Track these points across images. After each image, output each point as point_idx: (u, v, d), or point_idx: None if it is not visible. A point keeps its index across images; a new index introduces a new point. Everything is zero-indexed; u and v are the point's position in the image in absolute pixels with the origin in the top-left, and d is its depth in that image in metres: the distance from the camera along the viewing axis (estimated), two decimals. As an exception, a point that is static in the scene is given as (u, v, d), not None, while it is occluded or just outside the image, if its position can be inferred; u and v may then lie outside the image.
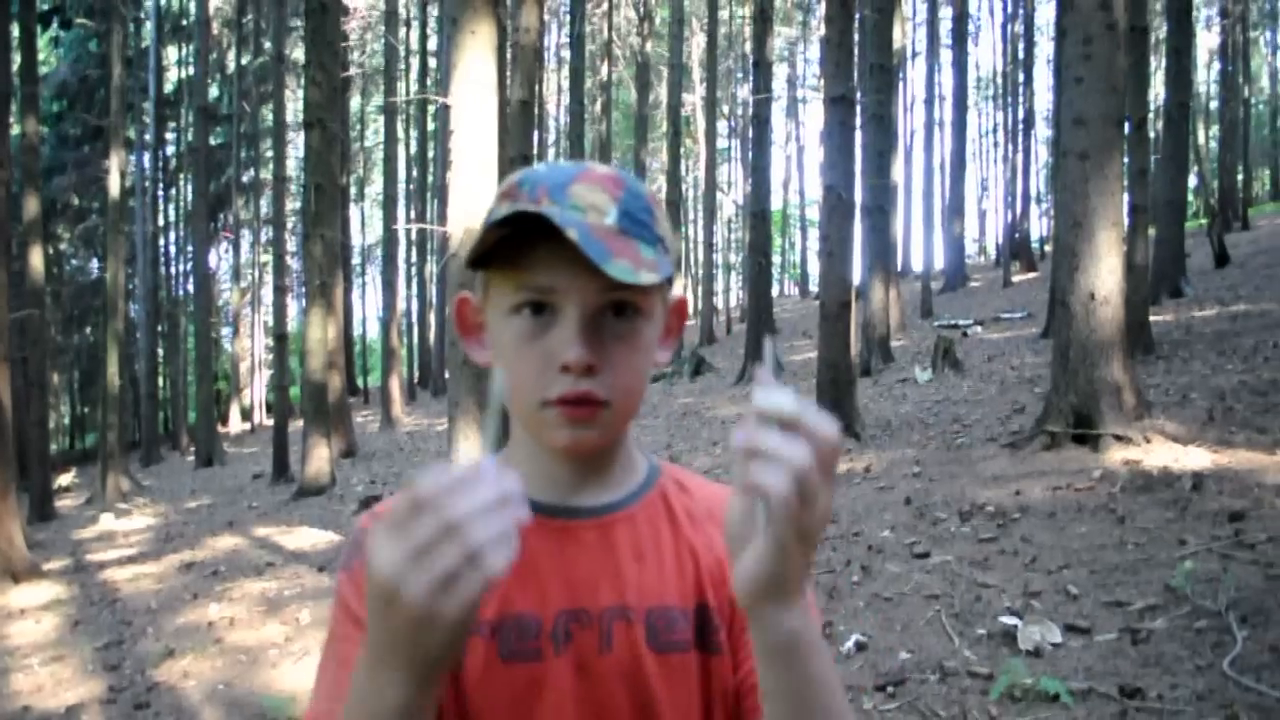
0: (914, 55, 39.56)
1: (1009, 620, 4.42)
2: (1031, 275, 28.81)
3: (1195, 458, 6.62)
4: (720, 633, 0.93)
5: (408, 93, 29.78)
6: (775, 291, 29.43)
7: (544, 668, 0.88)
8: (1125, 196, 9.28)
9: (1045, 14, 41.07)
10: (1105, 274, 7.33)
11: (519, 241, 0.84)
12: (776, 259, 45.99)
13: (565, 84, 33.87)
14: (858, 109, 11.86)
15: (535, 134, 12.19)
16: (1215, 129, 35.36)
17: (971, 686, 3.90)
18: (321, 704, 0.85)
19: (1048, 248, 33.27)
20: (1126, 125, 9.42)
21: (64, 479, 22.43)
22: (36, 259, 15.28)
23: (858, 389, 10.91)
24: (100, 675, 5.78)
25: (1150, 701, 3.54)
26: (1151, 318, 12.27)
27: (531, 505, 0.94)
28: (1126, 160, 10.00)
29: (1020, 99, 32.63)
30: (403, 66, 33.43)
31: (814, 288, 40.92)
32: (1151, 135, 17.18)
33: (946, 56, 36.28)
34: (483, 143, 6.87)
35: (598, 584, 0.92)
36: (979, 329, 19.31)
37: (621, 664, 0.89)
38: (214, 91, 31.80)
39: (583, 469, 0.94)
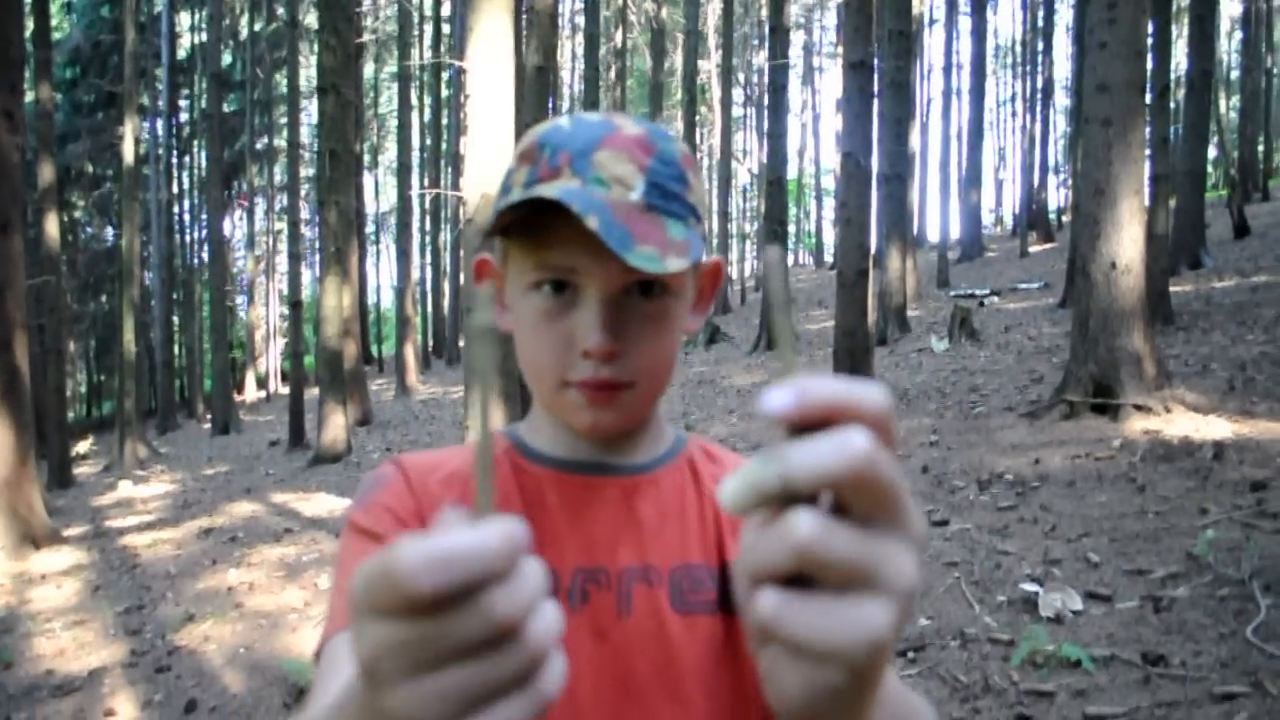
0: (932, 22, 39.18)
1: (1029, 587, 4.41)
2: (1049, 245, 28.64)
3: (1216, 427, 6.58)
4: None
5: (421, 59, 29.65)
6: (790, 261, 29.27)
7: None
8: (1147, 165, 9.18)
9: (1065, -20, 40.53)
10: (1127, 242, 7.27)
11: (538, 214, 0.79)
12: (791, 228, 45.81)
13: (580, 50, 33.63)
14: (876, 75, 11.75)
15: (550, 101, 12.11)
16: (1236, 99, 34.98)
17: (992, 653, 3.89)
18: (336, 626, 0.79)
19: (1065, 218, 33.07)
20: (1148, 93, 9.30)
21: (82, 446, 22.64)
22: (52, 226, 15.29)
23: (874, 358, 10.87)
24: (122, 639, 5.82)
25: (1173, 668, 3.52)
26: (1171, 288, 12.17)
27: (553, 461, 0.90)
28: (1148, 129, 9.89)
29: (1039, 67, 32.32)
30: (416, 32, 33.27)
31: (829, 258, 40.82)
32: (1172, 105, 16.97)
33: (965, 24, 35.86)
34: (499, 107, 6.81)
35: (618, 543, 0.87)
36: (996, 299, 19.20)
37: (643, 628, 0.84)
38: (227, 58, 31.73)
39: (607, 441, 0.91)
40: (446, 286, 32.98)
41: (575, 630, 0.83)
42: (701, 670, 0.84)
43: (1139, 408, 7.06)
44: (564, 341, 0.83)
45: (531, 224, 0.80)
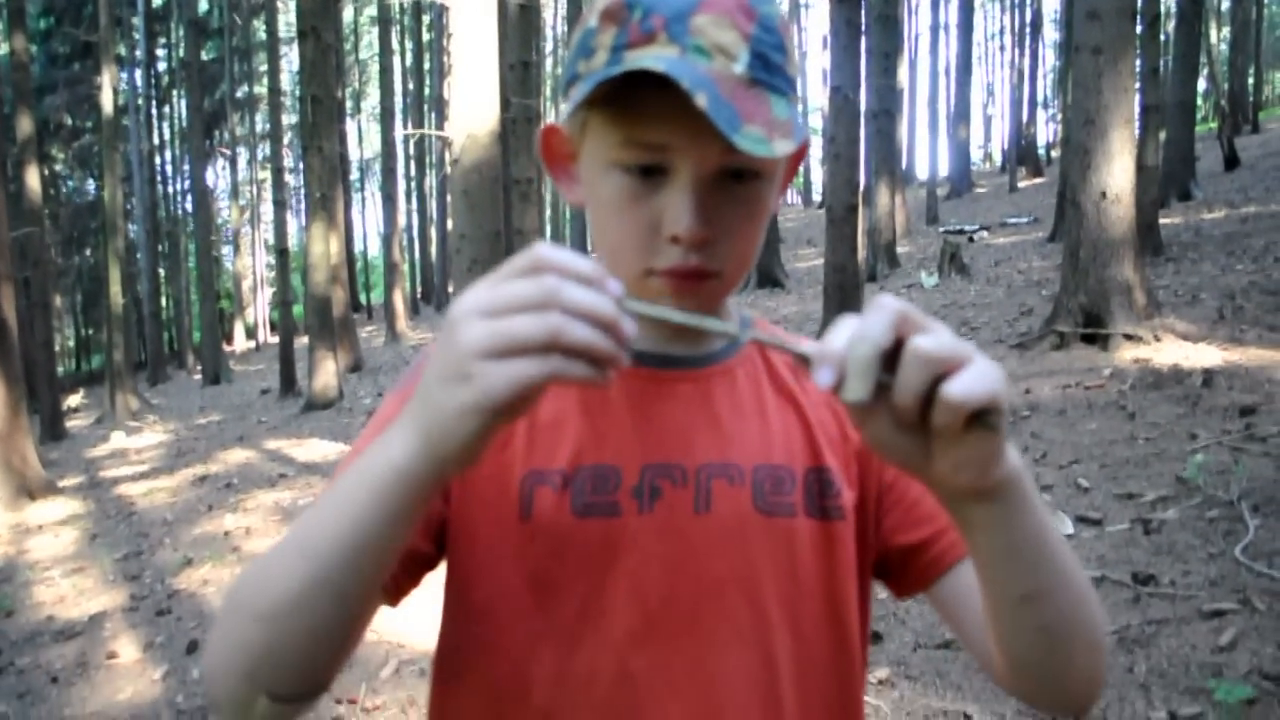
0: (919, -45, 38.67)
1: (1021, 514, 4.44)
2: (1038, 180, 28.55)
3: (1206, 355, 6.61)
4: (841, 496, 0.85)
5: (401, 3, 29.20)
6: (781, 200, 29.12)
7: (621, 524, 0.79)
8: (1137, 96, 9.12)
9: (1054, -90, 40.00)
10: (1117, 172, 7.24)
11: (629, 85, 0.71)
12: (779, 169, 45.50)
13: (562, -9, 33.15)
14: (863, 9, 11.60)
15: (534, 41, 11.93)
16: (1226, 30, 34.64)
17: (985, 578, 3.93)
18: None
19: (1054, 153, 32.92)
20: (1139, 23, 9.21)
21: (73, 400, 22.59)
22: (33, 179, 15.13)
23: (864, 294, 10.88)
24: (121, 585, 5.85)
25: (1163, 587, 3.57)
26: (1160, 220, 12.14)
27: None
28: (1139, 60, 9.80)
29: (1028, 0, 31.96)
30: (396, -25, 32.71)
31: (817, 196, 40.65)
32: (1162, 37, 16.82)
33: (952, -44, 35.41)
34: (483, 45, 6.72)
35: (694, 438, 0.82)
36: (985, 234, 19.18)
37: (722, 526, 0.80)
38: (204, 4, 31.20)
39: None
40: (434, 232, 32.79)
41: (645, 527, 0.79)
42: (778, 576, 0.82)
43: (1129, 337, 7.08)
44: (650, 225, 0.76)
45: (620, 94, 0.72)
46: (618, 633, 0.79)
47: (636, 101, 0.72)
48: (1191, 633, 3.24)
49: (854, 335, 0.56)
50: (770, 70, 0.74)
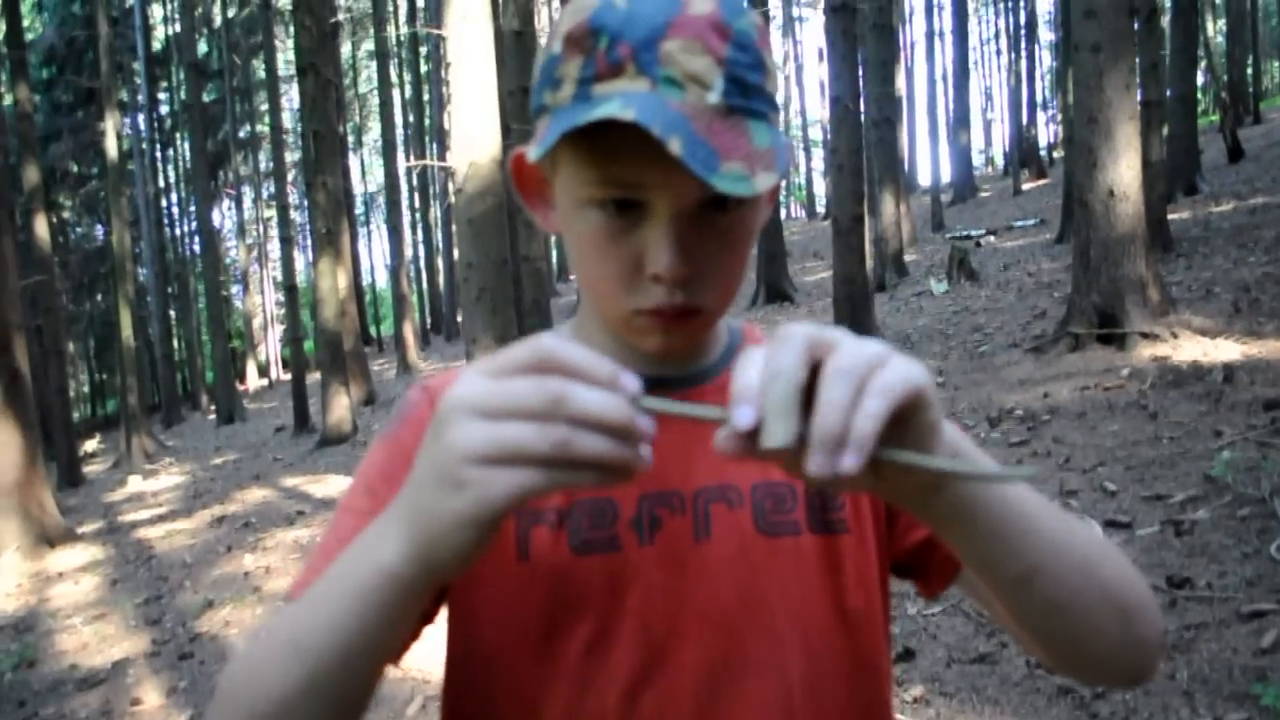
0: (911, -37, 38.78)
1: (1048, 520, 4.38)
2: (1041, 182, 28.46)
3: (1224, 350, 6.55)
4: (844, 509, 0.82)
5: (398, 32, 29.36)
6: (782, 214, 29.09)
7: (622, 559, 0.76)
8: (1138, 92, 9.07)
9: (1044, -88, 40.11)
10: (1124, 169, 7.20)
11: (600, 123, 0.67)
12: (781, 181, 45.49)
13: (557, 15, 33.36)
14: (858, 19, 11.61)
15: (531, 66, 11.98)
16: (1222, 22, 34.61)
17: (1015, 587, 3.87)
18: (305, 575, 0.75)
19: (1056, 153, 32.87)
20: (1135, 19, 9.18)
21: (89, 445, 22.66)
22: (41, 228, 15.22)
23: (874, 303, 10.83)
24: (143, 630, 5.83)
25: (1199, 590, 3.51)
26: (1169, 215, 12.08)
27: None
28: (1137, 55, 9.76)
29: (1021, 2, 31.97)
30: (391, 7, 32.94)
31: (820, 209, 40.67)
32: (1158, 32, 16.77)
33: (944, -37, 35.52)
34: (481, 73, 6.73)
35: (690, 462, 0.79)
36: (992, 238, 19.11)
37: (724, 552, 0.77)
38: (203, 47, 31.41)
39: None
40: (440, 262, 32.85)
41: (647, 560, 0.77)
42: (787, 597, 0.79)
43: (1145, 335, 7.02)
44: (630, 264, 0.73)
45: (591, 132, 0.67)
46: (625, 670, 0.76)
47: (608, 139, 0.68)
48: (1232, 636, 3.18)
49: (768, 373, 0.53)
50: (748, 94, 0.69)
